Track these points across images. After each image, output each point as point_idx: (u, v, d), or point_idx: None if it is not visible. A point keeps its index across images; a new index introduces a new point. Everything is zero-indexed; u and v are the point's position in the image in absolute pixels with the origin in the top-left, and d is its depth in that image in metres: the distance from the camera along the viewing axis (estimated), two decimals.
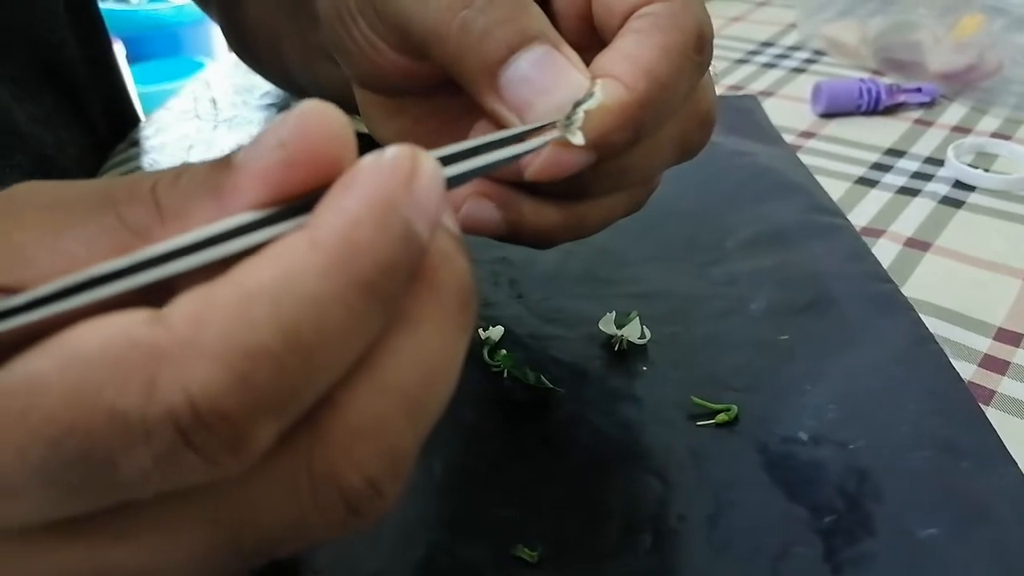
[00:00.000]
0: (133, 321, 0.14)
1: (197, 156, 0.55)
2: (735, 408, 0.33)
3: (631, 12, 0.25)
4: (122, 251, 0.16)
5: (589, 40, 0.27)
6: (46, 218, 0.17)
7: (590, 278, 0.41)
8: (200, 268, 0.15)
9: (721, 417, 0.33)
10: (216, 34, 1.98)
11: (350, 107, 0.34)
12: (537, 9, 0.24)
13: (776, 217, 0.45)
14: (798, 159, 0.51)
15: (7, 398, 0.14)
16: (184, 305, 0.14)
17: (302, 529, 0.16)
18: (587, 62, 0.25)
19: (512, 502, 0.30)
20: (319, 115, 0.15)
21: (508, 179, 0.27)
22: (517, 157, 0.21)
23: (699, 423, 0.33)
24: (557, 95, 0.23)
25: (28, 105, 0.47)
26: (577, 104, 0.23)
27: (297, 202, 0.16)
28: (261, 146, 0.16)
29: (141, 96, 0.63)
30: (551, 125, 0.23)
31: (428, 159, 0.16)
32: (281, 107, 0.59)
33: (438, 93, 0.29)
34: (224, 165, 0.16)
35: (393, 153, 0.16)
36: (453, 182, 0.18)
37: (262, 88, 0.62)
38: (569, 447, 0.32)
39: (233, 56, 0.66)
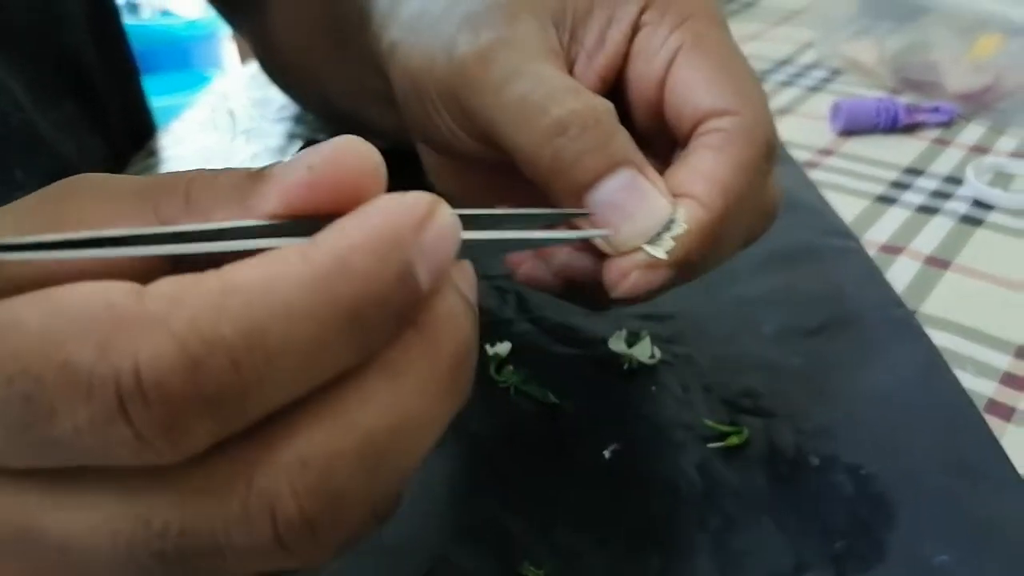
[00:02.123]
0: (117, 288, 0.15)
1: (214, 167, 0.55)
2: (746, 431, 0.32)
3: (701, 121, 0.26)
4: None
5: (661, 128, 0.28)
6: (99, 205, 0.18)
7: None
8: (198, 257, 0.16)
9: (732, 440, 0.32)
10: (226, 48, 1.99)
11: (404, 146, 0.34)
12: (625, 134, 0.25)
13: (786, 238, 0.44)
14: (808, 179, 0.51)
15: None
16: (165, 284, 0.15)
17: (225, 542, 0.15)
18: (659, 148, 0.27)
19: (518, 519, 0.29)
20: (353, 149, 0.16)
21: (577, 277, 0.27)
22: (545, 242, 0.21)
23: (709, 444, 0.32)
24: (641, 221, 0.24)
25: (50, 112, 0.48)
26: (663, 230, 0.25)
27: (309, 222, 0.16)
28: (292, 164, 0.17)
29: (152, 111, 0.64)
30: (583, 216, 0.25)
31: (447, 212, 0.16)
32: (297, 119, 0.60)
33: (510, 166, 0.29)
34: (257, 175, 0.17)
35: (413, 196, 0.16)
36: (473, 246, 0.18)
37: (279, 101, 0.62)
38: (577, 465, 0.32)
39: (248, 68, 0.67)
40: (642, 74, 0.27)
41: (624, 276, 0.25)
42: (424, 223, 0.16)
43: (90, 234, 0.15)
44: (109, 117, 0.55)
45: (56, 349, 0.14)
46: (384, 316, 0.15)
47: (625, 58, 0.28)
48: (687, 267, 0.25)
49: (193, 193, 0.18)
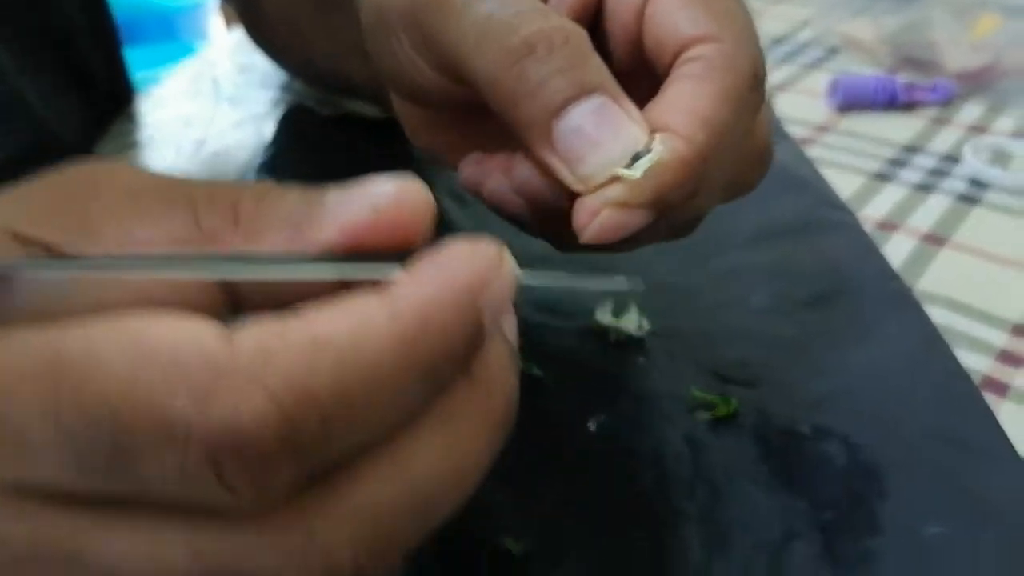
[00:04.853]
0: (205, 332, 0.14)
1: (195, 133, 0.54)
2: (734, 401, 0.31)
3: (682, 50, 0.24)
4: (191, 248, 0.16)
5: (642, 68, 0.25)
6: (123, 201, 0.17)
7: (585, 265, 0.39)
8: (263, 285, 0.17)
9: (720, 410, 0.31)
10: (211, 20, 1.97)
11: (381, 103, 0.33)
12: (597, 59, 0.23)
13: (780, 210, 0.43)
14: (804, 154, 0.50)
15: (67, 368, 0.14)
16: (256, 333, 0.15)
17: None
18: (640, 88, 0.24)
19: (500, 491, 0.28)
20: (414, 194, 0.17)
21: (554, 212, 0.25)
22: (585, 287, 0.21)
23: (697, 415, 0.31)
24: (611, 149, 0.22)
25: (31, 74, 0.47)
26: (636, 157, 0.22)
27: (366, 253, 0.17)
28: (354, 202, 0.17)
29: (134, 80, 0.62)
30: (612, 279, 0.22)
31: (511, 260, 0.16)
32: (283, 87, 0.58)
33: (481, 109, 0.26)
34: (313, 201, 0.17)
35: (484, 246, 0.16)
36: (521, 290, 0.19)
37: (264, 67, 0.61)
38: (561, 437, 0.31)
39: (234, 34, 0.66)
40: (619, 4, 0.26)
41: (593, 215, 0.22)
42: (496, 273, 0.16)
43: (156, 255, 0.15)
44: (91, 82, 0.54)
45: (150, 400, 0.14)
46: (454, 368, 0.16)
47: None
48: (664, 208, 0.22)
49: (243, 211, 0.17)
